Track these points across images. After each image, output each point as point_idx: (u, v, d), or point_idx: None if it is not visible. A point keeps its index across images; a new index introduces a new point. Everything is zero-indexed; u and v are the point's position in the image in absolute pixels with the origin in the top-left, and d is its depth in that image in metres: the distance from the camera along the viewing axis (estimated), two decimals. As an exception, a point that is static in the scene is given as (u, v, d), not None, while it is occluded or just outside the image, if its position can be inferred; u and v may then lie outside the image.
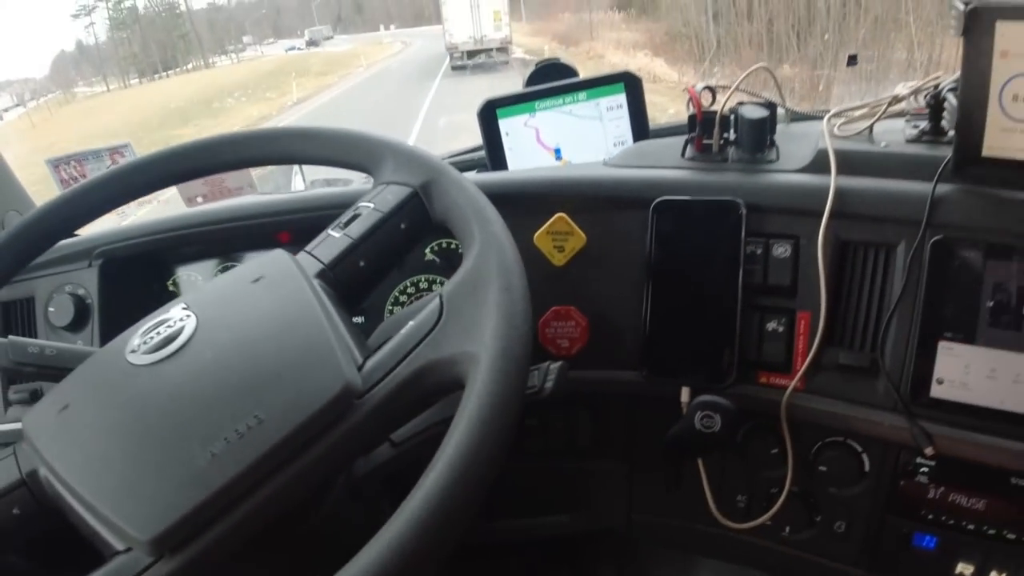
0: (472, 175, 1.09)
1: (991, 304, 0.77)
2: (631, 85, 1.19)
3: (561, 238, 0.91)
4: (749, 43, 12.09)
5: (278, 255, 0.72)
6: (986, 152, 0.78)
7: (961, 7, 0.75)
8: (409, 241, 0.75)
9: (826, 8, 11.16)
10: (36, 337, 1.10)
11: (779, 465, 0.90)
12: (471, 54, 19.91)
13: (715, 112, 0.94)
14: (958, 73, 0.80)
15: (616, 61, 15.91)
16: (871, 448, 0.86)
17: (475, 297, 0.63)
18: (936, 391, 0.79)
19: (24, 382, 1.11)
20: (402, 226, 0.73)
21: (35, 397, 1.11)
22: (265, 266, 0.71)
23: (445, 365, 0.61)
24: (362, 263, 0.72)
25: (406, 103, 14.21)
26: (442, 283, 1.05)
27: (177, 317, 0.67)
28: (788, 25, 11.68)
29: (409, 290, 1.07)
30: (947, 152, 0.81)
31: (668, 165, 0.96)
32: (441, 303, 0.65)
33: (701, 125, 0.95)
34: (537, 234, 0.91)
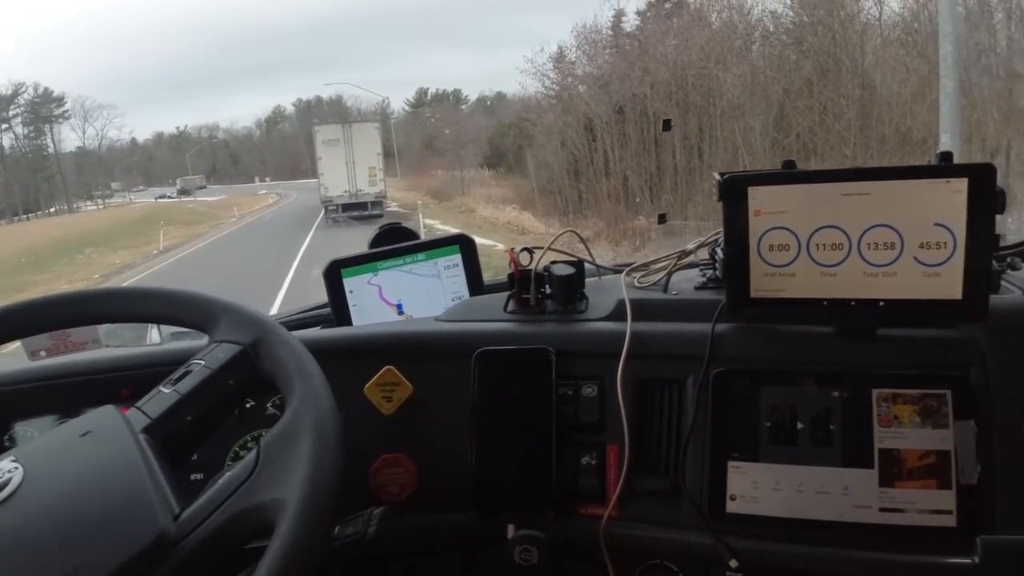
0: (315, 331, 1.14)
1: (768, 424, 0.89)
2: (465, 246, 1.30)
3: (389, 389, 0.97)
4: (608, 197, 13.09)
5: (107, 410, 0.75)
6: (754, 294, 0.92)
7: (718, 177, 0.91)
8: (238, 397, 0.79)
9: (673, 166, 12.30)
10: None
11: None
12: (346, 207, 20.25)
13: (531, 270, 1.06)
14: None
15: (486, 215, 16.73)
16: (686, 567, 0.94)
17: (289, 445, 0.68)
18: (731, 507, 0.88)
19: None
20: (230, 382, 0.77)
21: None
22: (94, 421, 0.74)
23: (258, 512, 0.64)
24: (189, 418, 0.75)
25: (279, 254, 14.15)
26: None
27: (5, 469, 0.68)
28: (642, 181, 12.76)
29: (249, 444, 1.08)
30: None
31: (492, 318, 1.06)
32: (258, 453, 0.68)
33: (519, 282, 1.06)
34: (367, 386, 0.97)
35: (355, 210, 20.08)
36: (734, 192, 0.90)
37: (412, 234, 1.38)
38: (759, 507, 0.88)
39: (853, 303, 0.90)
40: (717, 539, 0.88)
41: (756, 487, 0.88)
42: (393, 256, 1.29)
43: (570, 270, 1.05)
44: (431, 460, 0.98)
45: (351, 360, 0.98)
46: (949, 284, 0.87)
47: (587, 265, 1.11)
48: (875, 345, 0.90)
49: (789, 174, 0.91)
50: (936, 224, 0.86)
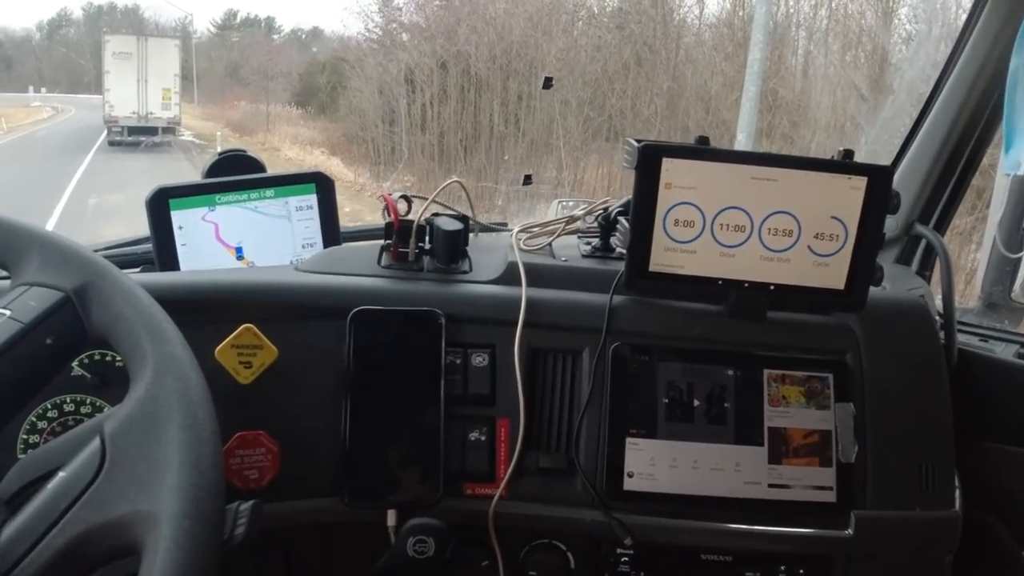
0: (136, 274, 0.94)
1: (666, 401, 0.88)
2: (323, 186, 1.14)
3: (248, 352, 0.80)
4: (422, 152, 12.89)
5: None
6: (652, 268, 0.90)
7: (635, 144, 0.86)
8: (57, 360, 0.61)
9: (490, 127, 12.39)
10: None
11: None
12: (133, 131, 18.10)
13: (412, 222, 0.94)
14: (626, 198, 0.92)
15: (292, 156, 15.73)
16: (575, 546, 0.89)
17: (149, 437, 0.52)
18: (628, 484, 0.86)
19: None
20: (48, 341, 0.58)
21: None
22: None
23: (113, 529, 0.49)
24: None
25: (51, 177, 12.42)
26: (96, 406, 0.86)
27: None
28: (457, 139, 12.72)
29: (51, 414, 0.85)
30: (618, 267, 0.92)
31: (364, 273, 0.93)
32: (103, 446, 0.52)
33: (398, 234, 0.94)
34: (219, 348, 0.80)
35: (143, 134, 18.03)
36: (648, 161, 0.87)
37: (258, 165, 1.19)
38: (656, 484, 0.86)
39: (746, 284, 0.91)
40: (611, 517, 0.85)
41: (654, 464, 0.87)
42: (236, 189, 1.10)
43: (457, 225, 0.95)
44: (297, 437, 0.83)
45: (196, 315, 0.80)
46: (835, 274, 0.91)
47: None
48: (763, 326, 0.92)
49: (705, 150, 0.89)
50: (832, 217, 0.90)
